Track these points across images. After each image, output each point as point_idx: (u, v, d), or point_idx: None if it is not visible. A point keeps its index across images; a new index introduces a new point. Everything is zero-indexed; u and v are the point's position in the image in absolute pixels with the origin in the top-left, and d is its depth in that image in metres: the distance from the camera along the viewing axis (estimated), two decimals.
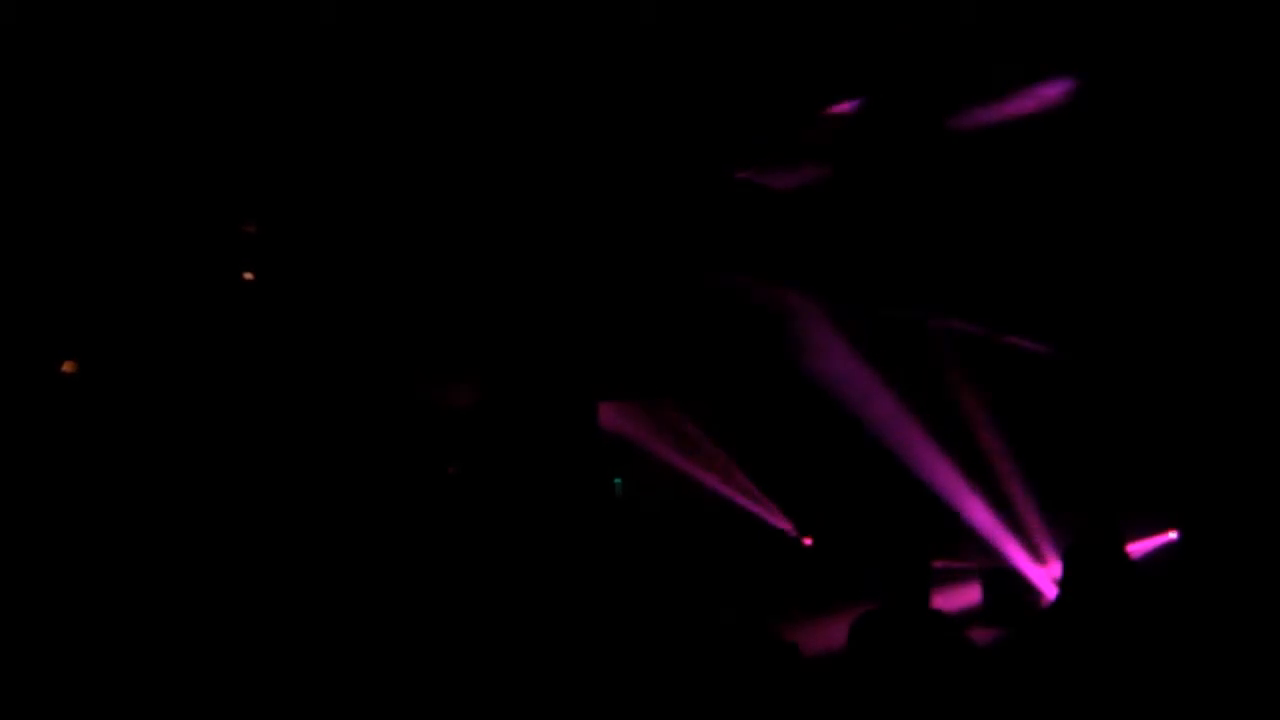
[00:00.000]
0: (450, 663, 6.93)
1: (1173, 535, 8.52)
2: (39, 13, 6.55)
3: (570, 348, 8.76)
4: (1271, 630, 5.28)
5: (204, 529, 7.06)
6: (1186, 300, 8.05)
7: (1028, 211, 8.05)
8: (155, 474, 7.14)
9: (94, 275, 7.27)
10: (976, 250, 8.41)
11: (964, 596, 8.94)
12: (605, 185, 8.14)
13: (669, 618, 7.07)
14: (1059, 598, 4.87)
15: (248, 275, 7.80)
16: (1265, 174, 7.35)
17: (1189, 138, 7.36)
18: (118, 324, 7.35)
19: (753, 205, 8.44)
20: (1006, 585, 8.90)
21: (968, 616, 8.58)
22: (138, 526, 6.94)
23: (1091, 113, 7.44)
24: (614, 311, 8.79)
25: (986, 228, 8.25)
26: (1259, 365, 7.86)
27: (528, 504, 8.20)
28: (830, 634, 5.64)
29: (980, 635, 5.64)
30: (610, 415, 9.34)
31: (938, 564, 6.50)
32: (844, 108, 7.61)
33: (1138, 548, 8.24)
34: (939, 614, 5.07)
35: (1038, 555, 8.83)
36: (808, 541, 9.84)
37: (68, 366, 7.21)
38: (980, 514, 8.93)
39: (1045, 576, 8.70)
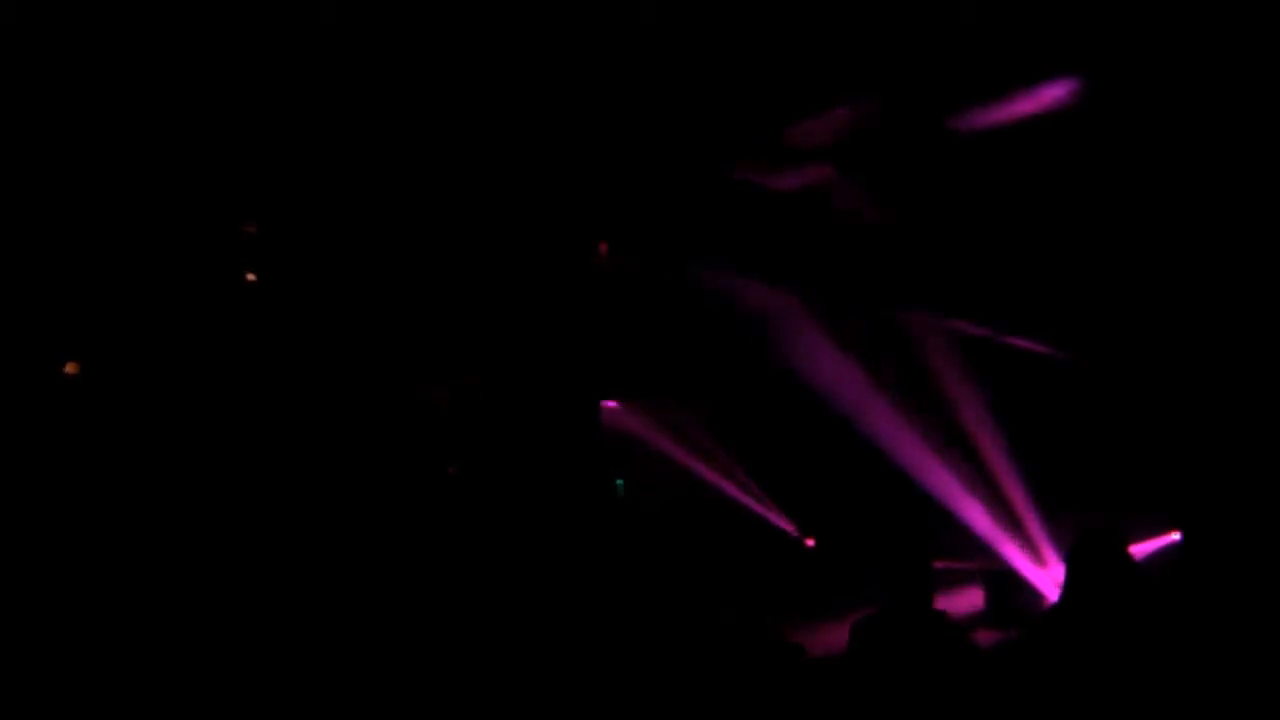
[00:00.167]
0: (451, 663, 6.92)
1: (1175, 536, 8.49)
2: (39, 13, 6.56)
3: (571, 347, 8.75)
4: (1275, 631, 5.26)
5: (205, 528, 7.06)
6: (1187, 301, 8.04)
7: (1028, 212, 8.05)
8: (156, 473, 7.14)
9: (95, 276, 7.27)
10: (977, 250, 8.40)
11: (967, 599, 8.92)
12: (605, 185, 8.14)
13: (670, 618, 7.07)
14: (1062, 599, 4.85)
15: (250, 276, 7.80)
16: (1266, 175, 7.34)
17: (1189, 139, 7.36)
18: (119, 324, 7.35)
19: (753, 205, 8.44)
20: (1008, 587, 8.88)
21: (971, 619, 8.56)
22: (138, 526, 6.94)
23: (1092, 113, 7.44)
24: (615, 311, 8.79)
25: (987, 228, 8.25)
26: (1260, 366, 7.85)
27: (529, 504, 8.20)
28: (832, 636, 5.62)
29: (983, 638, 5.63)
30: (612, 415, 9.33)
31: (939, 565, 6.47)
32: (844, 108, 7.61)
33: (1140, 549, 8.21)
34: (941, 616, 5.05)
35: (1039, 557, 8.81)
36: (810, 542, 9.82)
37: (70, 367, 7.21)
38: (982, 515, 8.91)
39: (1047, 578, 8.67)
